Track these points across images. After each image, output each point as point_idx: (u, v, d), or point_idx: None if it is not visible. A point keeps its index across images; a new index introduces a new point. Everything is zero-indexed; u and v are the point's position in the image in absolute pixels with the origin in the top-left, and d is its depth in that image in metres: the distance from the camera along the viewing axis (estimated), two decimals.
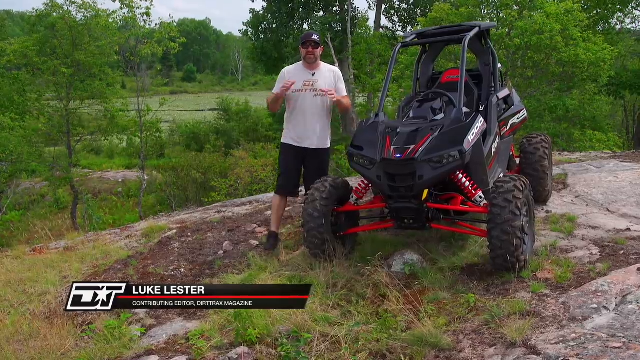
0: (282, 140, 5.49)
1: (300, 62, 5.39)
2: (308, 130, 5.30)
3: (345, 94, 5.44)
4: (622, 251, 4.66)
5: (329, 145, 5.46)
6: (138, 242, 6.54)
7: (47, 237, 8.24)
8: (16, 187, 19.54)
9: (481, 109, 5.45)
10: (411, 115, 5.32)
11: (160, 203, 18.24)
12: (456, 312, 3.90)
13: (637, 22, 23.05)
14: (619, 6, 19.63)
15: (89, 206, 15.38)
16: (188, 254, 5.85)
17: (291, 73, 5.33)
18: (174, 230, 6.71)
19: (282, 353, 3.31)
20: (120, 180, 22.86)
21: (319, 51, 5.26)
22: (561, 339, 3.23)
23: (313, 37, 5.22)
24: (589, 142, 13.63)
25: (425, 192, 4.55)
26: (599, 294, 3.77)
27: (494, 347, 3.34)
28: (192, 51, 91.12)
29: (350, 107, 5.57)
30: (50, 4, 15.88)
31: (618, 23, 21.25)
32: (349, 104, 5.55)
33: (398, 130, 4.69)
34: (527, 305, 3.76)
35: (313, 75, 5.27)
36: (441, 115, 5.07)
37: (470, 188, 4.70)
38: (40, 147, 16.92)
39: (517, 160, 6.32)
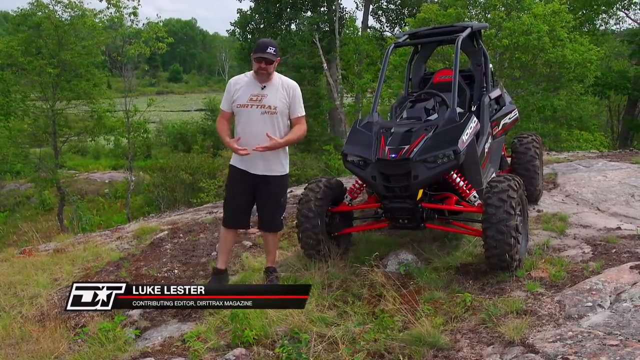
0: (230, 162, 4.58)
1: (252, 71, 4.44)
2: (253, 154, 4.31)
3: (301, 113, 4.49)
4: (614, 250, 4.71)
5: (283, 173, 4.50)
6: (129, 244, 6.48)
7: (34, 239, 8.13)
8: (0, 188, 19.28)
9: (473, 109, 5.49)
10: (405, 115, 5.33)
11: (148, 204, 18.10)
12: (453, 312, 3.91)
13: (621, 23, 23.34)
14: (603, 7, 19.89)
15: (78, 207, 15.22)
16: (181, 255, 5.80)
17: (239, 83, 4.43)
18: (166, 232, 6.66)
19: (284, 354, 3.29)
20: (106, 181, 22.67)
21: (273, 66, 4.32)
22: (558, 337, 3.25)
23: (268, 49, 4.23)
24: (575, 142, 13.79)
25: (420, 192, 4.57)
26: (594, 292, 3.80)
27: (491, 346, 3.36)
28: (178, 51, 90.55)
29: (302, 135, 4.49)
30: (35, 4, 15.71)
31: (602, 24, 21.54)
32: (299, 135, 4.45)
33: (392, 130, 4.70)
34: (523, 304, 3.79)
35: (263, 88, 4.35)
36: (435, 116, 5.10)
37: (465, 188, 4.72)
38: (25, 148, 16.72)
39: (509, 160, 6.36)
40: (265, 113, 4.34)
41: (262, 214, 4.57)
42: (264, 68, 4.27)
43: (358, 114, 22.07)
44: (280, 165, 4.48)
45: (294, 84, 4.51)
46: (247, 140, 4.32)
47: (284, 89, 4.40)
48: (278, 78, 4.45)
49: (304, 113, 4.54)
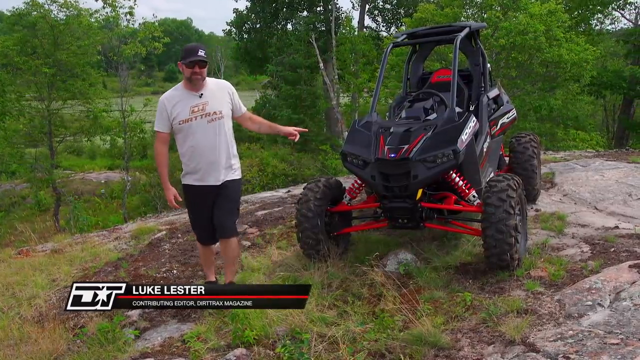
0: (183, 182, 4.32)
1: (181, 83, 4.23)
2: (210, 164, 4.16)
3: (244, 109, 4.45)
4: (613, 249, 4.72)
5: (239, 177, 4.35)
6: (127, 244, 6.47)
7: (31, 239, 8.10)
8: None
9: (471, 108, 5.49)
10: (404, 115, 5.34)
11: (145, 204, 18.04)
12: (453, 311, 3.92)
13: (616, 23, 23.42)
14: (598, 7, 19.95)
15: (75, 207, 15.14)
16: (179, 256, 5.79)
17: (173, 100, 4.12)
18: (164, 232, 6.65)
19: (286, 354, 3.29)
20: (102, 181, 22.58)
21: (206, 70, 4.12)
22: (559, 336, 3.26)
23: (199, 53, 4.02)
24: (572, 142, 13.83)
25: (420, 191, 4.57)
26: (593, 292, 3.81)
27: (492, 345, 3.36)
28: (174, 51, 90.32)
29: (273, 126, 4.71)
30: (30, 3, 15.62)
31: (598, 24, 21.60)
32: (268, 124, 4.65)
33: (391, 130, 4.70)
34: (523, 304, 3.79)
35: (201, 96, 4.11)
36: (434, 115, 5.10)
37: (464, 187, 4.73)
38: (20, 148, 16.63)
39: (507, 160, 6.37)
40: (213, 120, 4.13)
41: (218, 217, 4.26)
42: (198, 72, 4.04)
43: (355, 113, 22.08)
44: (237, 170, 4.33)
45: (228, 83, 4.37)
46: (199, 154, 4.14)
47: (224, 91, 4.24)
48: (210, 82, 4.23)
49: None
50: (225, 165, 4.23)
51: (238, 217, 4.46)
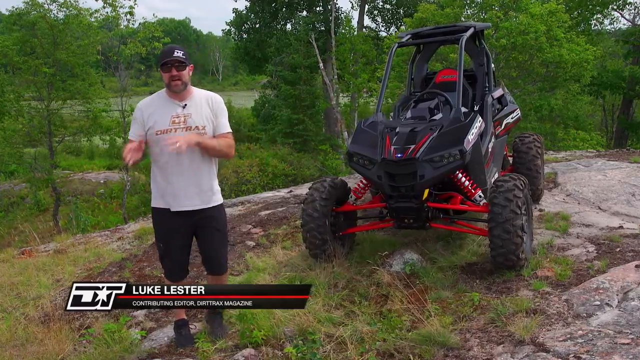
0: (152, 204, 3.77)
1: (162, 90, 3.69)
2: (186, 186, 3.61)
3: (227, 129, 3.72)
4: (618, 248, 4.73)
5: (220, 201, 3.79)
6: (131, 244, 6.46)
7: (32, 239, 8.08)
8: None
9: (476, 108, 5.50)
10: (409, 115, 5.33)
11: (144, 204, 17.97)
12: (461, 311, 3.92)
13: (615, 23, 23.46)
14: (598, 7, 19.99)
15: (77, 207, 15.10)
16: None
17: (152, 107, 3.62)
18: None
19: (298, 355, 3.28)
20: (102, 181, 22.50)
21: (187, 73, 3.56)
22: (568, 336, 3.26)
23: (175, 53, 3.50)
24: (572, 142, 13.84)
25: (426, 191, 4.57)
26: (601, 291, 3.81)
27: (502, 345, 3.36)
28: None
29: (231, 150, 3.70)
30: (30, 3, 15.57)
31: (597, 24, 21.63)
32: (227, 146, 3.66)
33: (397, 130, 4.70)
34: (531, 303, 3.79)
35: (184, 107, 3.59)
36: (439, 115, 5.10)
37: (470, 187, 4.73)
38: (19, 148, 16.59)
39: (510, 160, 6.38)
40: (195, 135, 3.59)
41: (209, 251, 3.84)
42: (177, 75, 3.51)
43: (354, 113, 22.10)
44: (217, 194, 3.77)
45: (217, 97, 3.77)
46: (175, 173, 3.60)
47: (208, 104, 3.67)
48: (198, 93, 3.70)
49: (230, 130, 3.75)
50: (206, 188, 3.70)
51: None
